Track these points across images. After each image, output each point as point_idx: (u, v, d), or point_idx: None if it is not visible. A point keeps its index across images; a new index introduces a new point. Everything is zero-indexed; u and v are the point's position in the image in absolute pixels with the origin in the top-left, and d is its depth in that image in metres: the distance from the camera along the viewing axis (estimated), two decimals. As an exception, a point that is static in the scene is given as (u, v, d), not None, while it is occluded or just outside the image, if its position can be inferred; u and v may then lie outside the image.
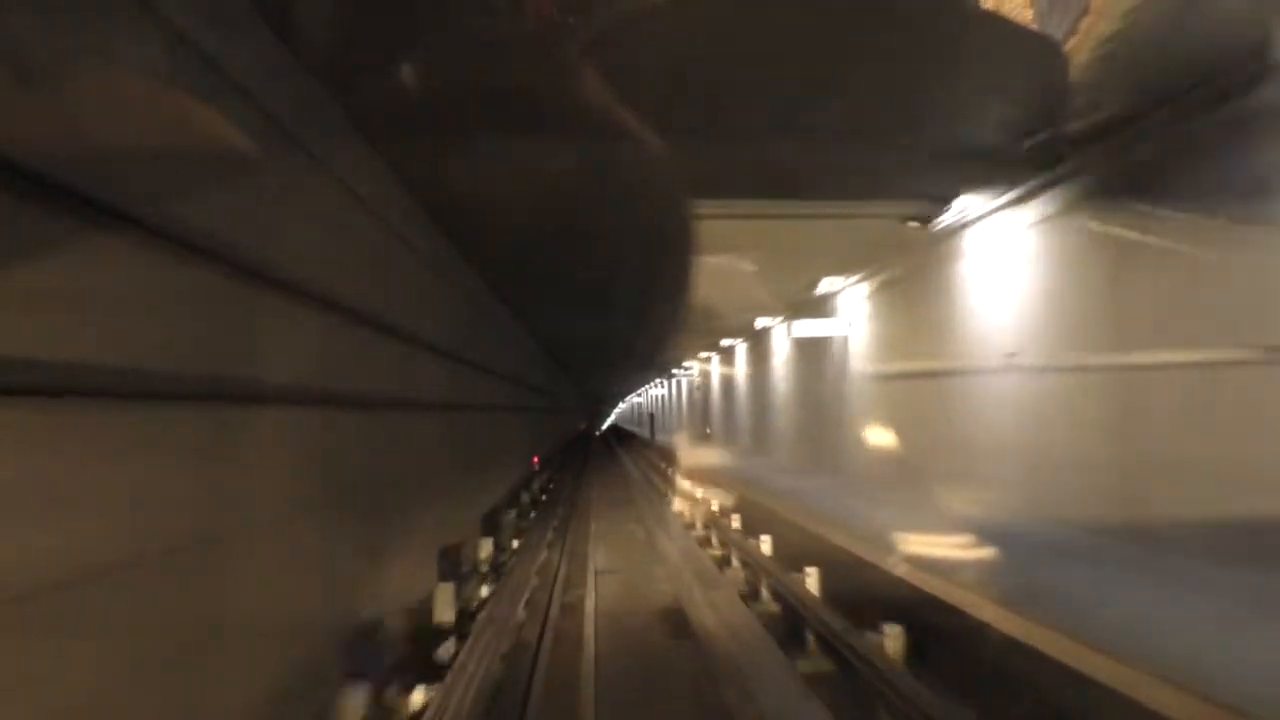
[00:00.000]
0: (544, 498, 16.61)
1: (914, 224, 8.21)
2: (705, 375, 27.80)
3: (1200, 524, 5.06)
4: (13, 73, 2.04)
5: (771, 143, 5.57)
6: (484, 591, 8.53)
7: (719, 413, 25.53)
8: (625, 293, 11.55)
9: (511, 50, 4.22)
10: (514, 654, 6.87)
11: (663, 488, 19.67)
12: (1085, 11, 4.45)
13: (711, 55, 4.54)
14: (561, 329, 17.83)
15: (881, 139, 5.69)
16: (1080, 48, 4.62)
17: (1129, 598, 5.03)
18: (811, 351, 14.26)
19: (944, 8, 4.53)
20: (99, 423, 2.44)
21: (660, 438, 33.57)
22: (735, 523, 12.35)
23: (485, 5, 3.98)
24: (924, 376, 9.64)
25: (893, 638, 6.16)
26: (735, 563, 10.71)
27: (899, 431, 10.34)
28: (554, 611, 8.23)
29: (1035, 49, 4.74)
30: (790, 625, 7.62)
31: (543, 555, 11.23)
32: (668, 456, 24.77)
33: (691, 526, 14.19)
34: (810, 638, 6.97)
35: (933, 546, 6.72)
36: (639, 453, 32.96)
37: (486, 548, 8.94)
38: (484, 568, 8.79)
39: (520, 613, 8.03)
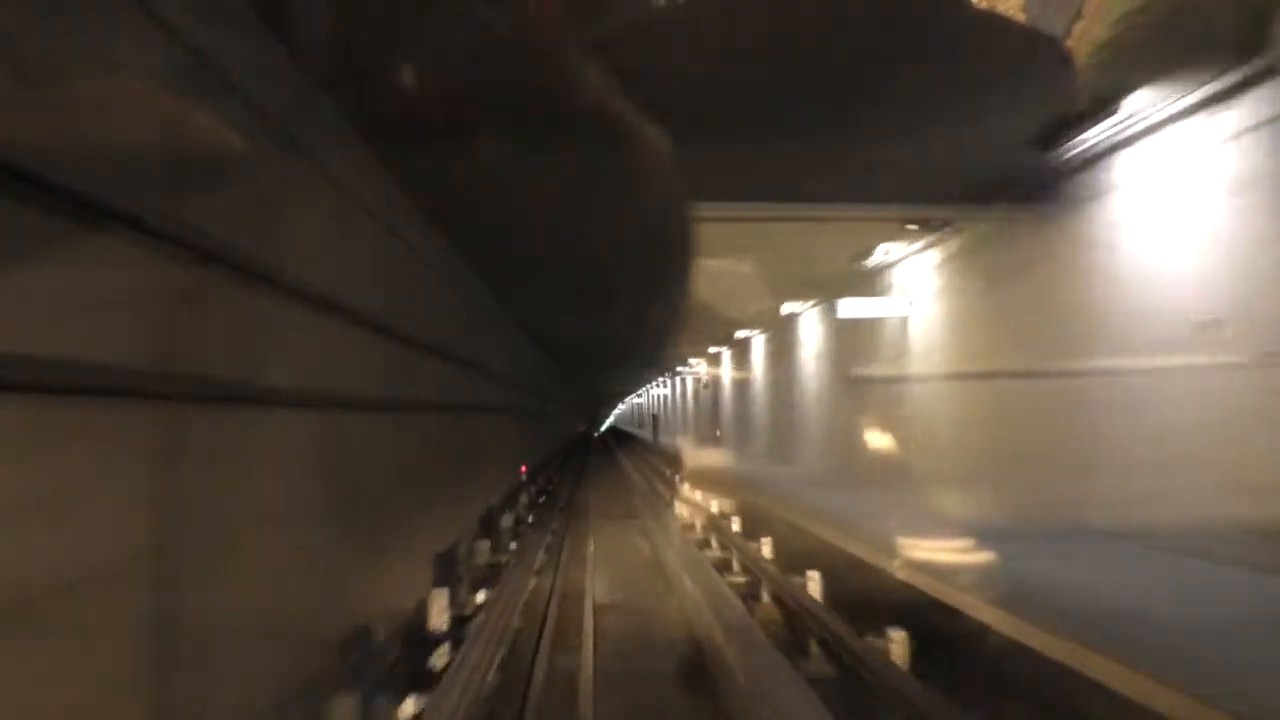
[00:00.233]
0: (531, 519, 13.84)
1: (912, 227, 8.19)
2: (714, 372, 25.40)
3: None
4: (11, 73, 2.04)
5: (772, 146, 5.55)
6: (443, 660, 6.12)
7: (731, 413, 23.15)
8: (626, 291, 11.37)
9: (511, 52, 4.22)
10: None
11: (671, 500, 17.31)
12: (1078, 16, 4.44)
13: (714, 60, 4.57)
14: (559, 327, 16.99)
15: (884, 143, 5.63)
16: (1075, 52, 4.65)
17: None
18: (853, 340, 11.88)
19: (950, 13, 4.45)
20: (95, 422, 2.43)
21: (664, 440, 31.14)
22: (766, 550, 9.96)
23: (485, 7, 3.96)
24: (1031, 376, 7.28)
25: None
26: (767, 599, 8.39)
27: (999, 441, 7.91)
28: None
29: (1042, 54, 4.64)
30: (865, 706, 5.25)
31: (527, 590, 8.85)
32: (674, 462, 22.38)
33: (717, 558, 11.81)
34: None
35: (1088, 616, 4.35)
36: (641, 457, 30.49)
37: (440, 606, 6.50)
38: (440, 628, 6.37)
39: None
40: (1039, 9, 4.55)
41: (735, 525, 12.06)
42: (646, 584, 9.46)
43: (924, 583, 5.72)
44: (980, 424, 8.31)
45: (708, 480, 16.30)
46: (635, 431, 53.31)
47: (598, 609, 8.07)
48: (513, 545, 10.84)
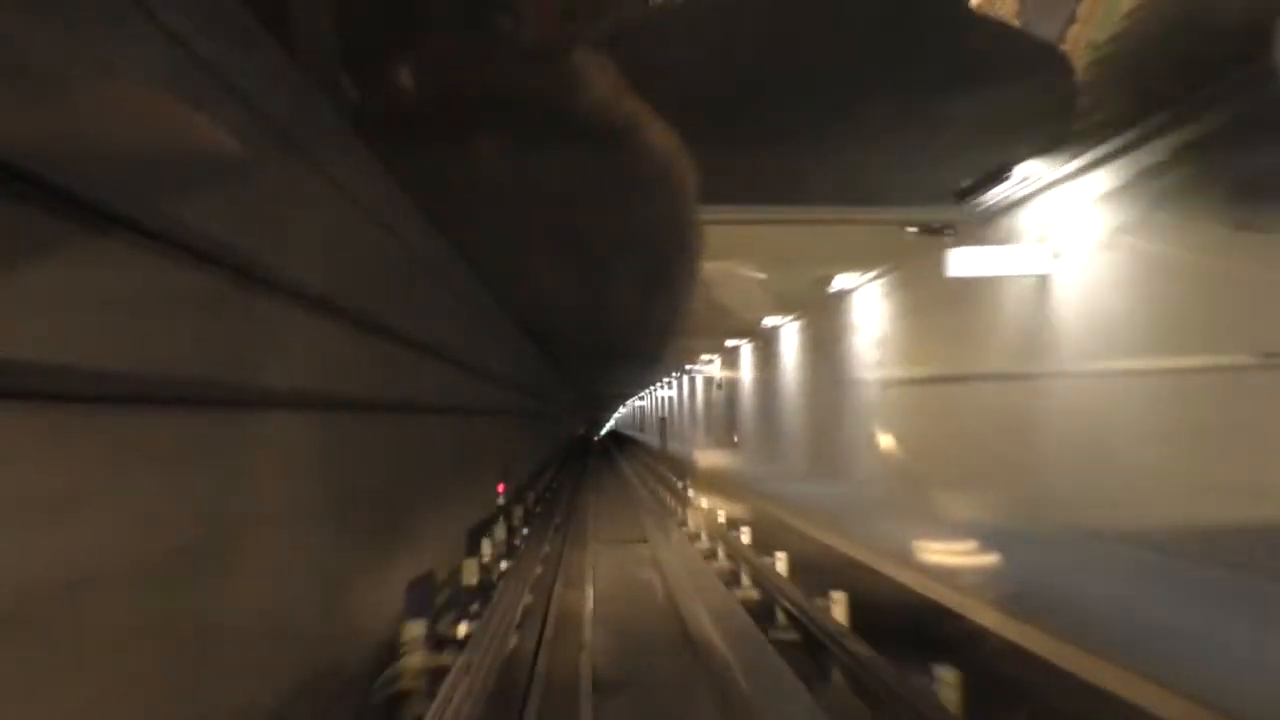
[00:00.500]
0: (504, 565, 10.05)
1: (912, 229, 8.00)
2: (731, 369, 22.29)
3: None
4: (14, 77, 2.08)
5: (776, 148, 5.61)
6: None
7: (751, 415, 20.03)
8: (629, 287, 10.99)
9: (509, 53, 4.21)
10: None
11: (692, 528, 14.22)
12: (1073, 20, 4.46)
13: (717, 62, 4.62)
14: (558, 325, 16.08)
15: (887, 145, 5.66)
16: (1071, 56, 4.66)
17: None
18: (953, 312, 8.79)
19: (953, 16, 4.48)
20: (97, 426, 2.46)
21: (673, 446, 27.99)
22: (840, 614, 6.85)
23: (487, 9, 3.98)
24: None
25: None
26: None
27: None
28: None
29: (1041, 58, 4.65)
30: None
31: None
32: (686, 471, 19.27)
33: (754, 602, 8.68)
34: None
35: None
36: (646, 465, 27.29)
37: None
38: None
39: None
40: (1033, 13, 4.49)
41: (781, 565, 8.96)
42: (668, 661, 6.38)
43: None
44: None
45: (732, 496, 13.24)
46: (639, 436, 49.99)
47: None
48: (474, 613, 7.67)
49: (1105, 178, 6.17)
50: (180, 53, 2.75)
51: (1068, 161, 6.29)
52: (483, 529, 9.28)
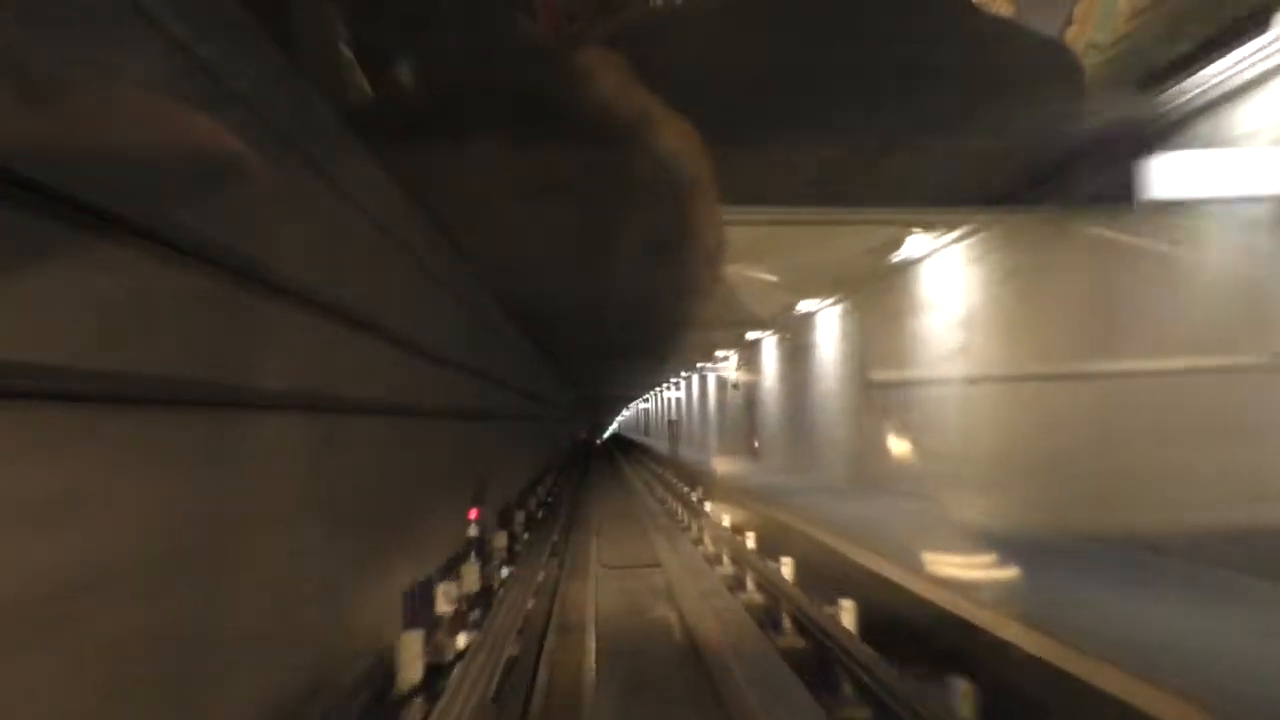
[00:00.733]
0: (462, 640, 6.22)
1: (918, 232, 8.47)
2: (751, 366, 19.79)
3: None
4: (13, 81, 2.09)
5: (787, 149, 5.63)
6: None
7: (775, 418, 17.54)
8: (635, 286, 10.72)
9: (513, 55, 4.23)
10: None
11: (709, 547, 11.73)
12: (1070, 21, 4.46)
13: (724, 64, 4.54)
14: (559, 323, 15.24)
15: (904, 146, 5.63)
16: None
17: None
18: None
19: (969, 17, 4.38)
20: (98, 428, 2.45)
21: (685, 452, 25.40)
22: (967, 712, 4.37)
23: (488, 10, 3.95)
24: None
25: None
26: None
27: None
28: None
29: (1056, 57, 4.59)
30: None
31: None
32: (699, 481, 16.78)
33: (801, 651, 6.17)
34: None
35: None
36: (654, 473, 24.75)
37: None
38: None
39: None
40: (1028, 14, 4.43)
41: (848, 618, 6.48)
42: None
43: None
44: None
45: (755, 515, 10.77)
46: (644, 440, 47.40)
47: None
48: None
49: None
50: (180, 56, 2.77)
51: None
52: (447, 571, 6.79)
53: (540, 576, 9.28)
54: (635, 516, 16.05)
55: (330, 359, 4.36)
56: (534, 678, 5.59)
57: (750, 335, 18.37)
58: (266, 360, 3.62)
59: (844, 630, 6.18)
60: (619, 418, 75.46)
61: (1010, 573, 5.65)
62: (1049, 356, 7.27)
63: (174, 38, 2.71)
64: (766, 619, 7.37)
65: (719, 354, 22.58)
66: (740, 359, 21.25)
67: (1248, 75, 4.70)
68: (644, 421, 58.74)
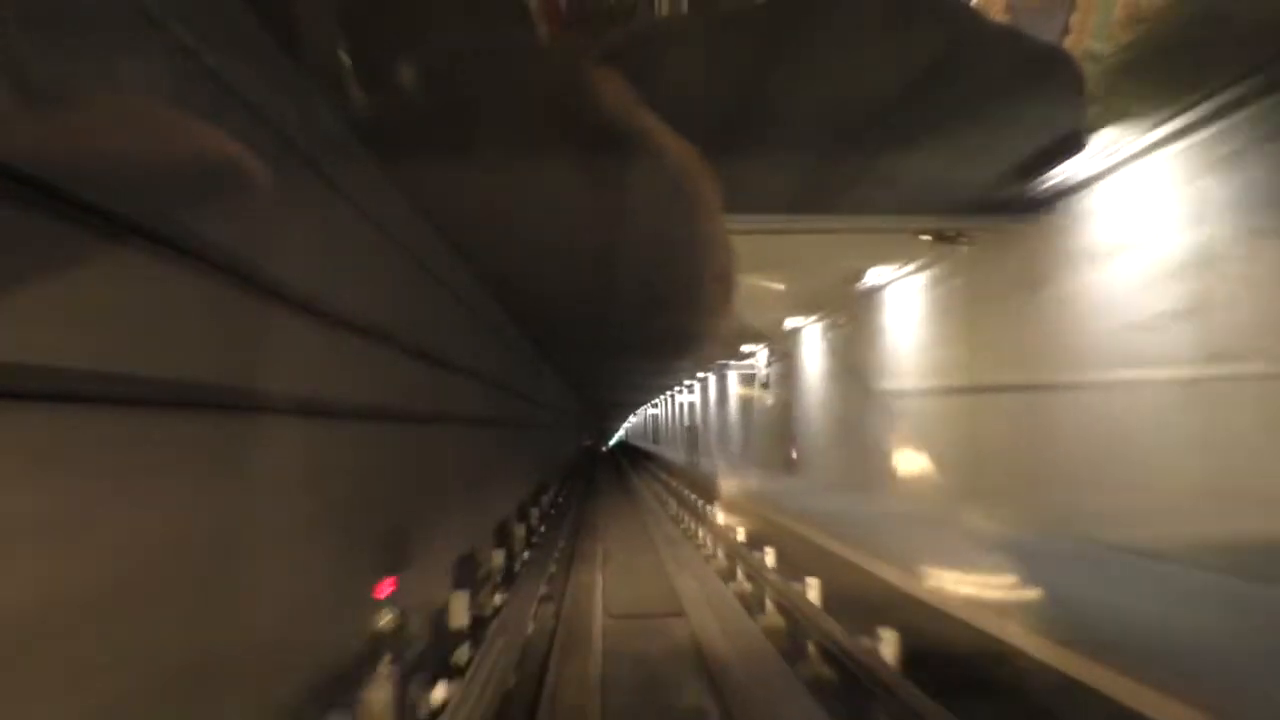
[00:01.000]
0: None
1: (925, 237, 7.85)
2: (790, 360, 16.72)
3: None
4: (24, 88, 2.10)
5: (790, 157, 5.71)
6: None
7: (823, 422, 14.45)
8: (644, 289, 10.59)
9: (520, 64, 4.26)
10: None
11: (743, 584, 8.71)
12: (1066, 30, 4.46)
13: (729, 74, 4.63)
14: (560, 323, 14.21)
15: (904, 154, 5.63)
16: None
17: None
18: None
19: (969, 25, 4.39)
20: (105, 432, 2.44)
21: (707, 464, 22.14)
22: None
23: (494, 19, 3.99)
24: None
25: None
26: None
27: None
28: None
29: (1056, 64, 4.59)
30: None
31: None
32: (729, 500, 13.72)
33: None
34: None
35: None
36: (668, 486, 21.60)
37: None
38: None
39: None
40: (1024, 22, 4.45)
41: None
42: None
43: None
44: None
45: (818, 552, 7.77)
46: (654, 449, 44.09)
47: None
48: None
49: None
50: (188, 63, 2.79)
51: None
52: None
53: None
54: (648, 541, 13.01)
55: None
56: None
57: (789, 323, 15.29)
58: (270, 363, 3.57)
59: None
60: (625, 424, 72.73)
61: None
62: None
63: (182, 45, 2.75)
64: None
65: (745, 349, 19.51)
66: (774, 353, 18.17)
67: None
68: (653, 428, 55.58)
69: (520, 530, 11.00)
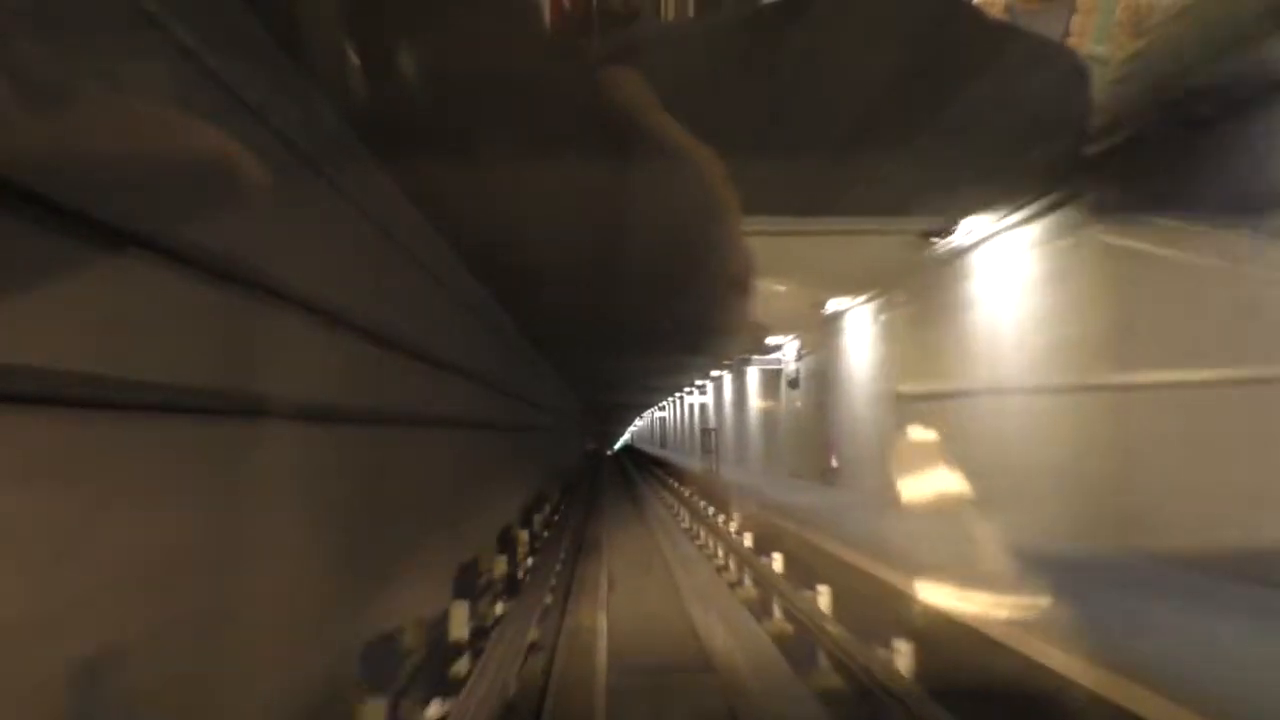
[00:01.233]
0: None
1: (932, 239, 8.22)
2: (826, 351, 14.28)
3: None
4: (25, 95, 2.10)
5: (793, 160, 5.67)
6: None
7: (870, 422, 12.00)
8: (652, 287, 10.33)
9: (527, 67, 4.26)
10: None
11: (773, 613, 6.33)
12: (1066, 35, 4.46)
13: (731, 76, 4.69)
14: (561, 321, 13.13)
15: (901, 155, 5.67)
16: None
17: None
18: None
19: (968, 24, 4.44)
20: (113, 435, 2.45)
21: (728, 473, 19.53)
22: None
23: (501, 22, 3.98)
24: None
25: None
26: None
27: None
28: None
29: (1060, 65, 4.66)
30: None
31: None
32: (775, 530, 11.29)
33: None
34: None
35: None
36: (681, 497, 19.10)
37: None
38: None
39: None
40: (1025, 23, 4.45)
41: None
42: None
43: None
44: None
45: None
46: (661, 454, 41.58)
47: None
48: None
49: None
50: (190, 66, 2.78)
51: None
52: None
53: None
54: (665, 571, 10.58)
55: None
56: None
57: (831, 306, 12.87)
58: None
59: None
60: (631, 428, 70.48)
61: None
62: None
63: (184, 47, 2.74)
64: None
65: (773, 340, 17.09)
66: (806, 345, 15.74)
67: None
68: (660, 432, 53.13)
69: (501, 564, 8.56)
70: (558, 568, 10.54)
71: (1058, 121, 5.35)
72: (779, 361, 17.70)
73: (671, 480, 23.18)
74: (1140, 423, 6.05)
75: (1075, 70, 4.61)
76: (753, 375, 20.78)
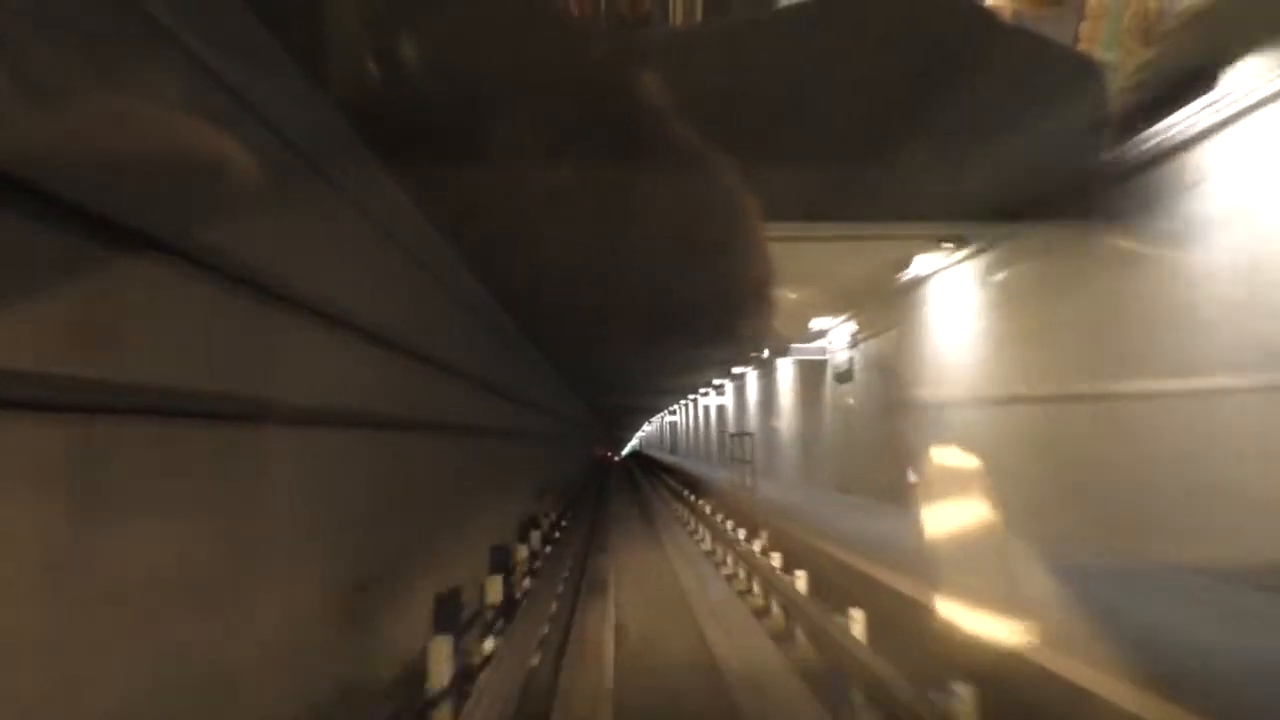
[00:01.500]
0: None
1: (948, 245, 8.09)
2: (902, 330, 11.05)
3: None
4: (43, 104, 2.13)
5: (808, 165, 5.62)
6: None
7: (978, 426, 8.77)
8: (664, 286, 9.90)
9: (540, 75, 4.27)
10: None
11: None
12: (1076, 40, 4.48)
13: (744, 82, 4.62)
14: (565, 321, 12.38)
15: (919, 162, 5.56)
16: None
17: None
18: None
19: (986, 32, 4.41)
20: (122, 440, 2.48)
21: (768, 489, 15.74)
22: None
23: (516, 29, 3.96)
24: None
25: None
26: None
27: None
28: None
29: (1078, 71, 4.68)
30: None
31: None
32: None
33: None
34: None
35: None
36: (709, 522, 15.62)
37: None
38: None
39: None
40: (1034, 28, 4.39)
41: None
42: None
43: None
44: None
45: None
46: (674, 461, 38.19)
47: None
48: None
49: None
50: (205, 78, 2.82)
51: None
52: None
53: None
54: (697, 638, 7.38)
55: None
56: None
57: (906, 274, 9.66)
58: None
59: None
60: (639, 433, 67.67)
61: None
62: None
63: (194, 56, 2.77)
64: None
65: (816, 325, 13.88)
66: (865, 325, 12.53)
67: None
68: (670, 437, 49.92)
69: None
70: (544, 631, 7.38)
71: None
72: (823, 351, 14.50)
73: (687, 493, 19.90)
74: None
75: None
76: (786, 370, 17.57)
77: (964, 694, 4.20)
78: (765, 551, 10.02)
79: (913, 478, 10.24)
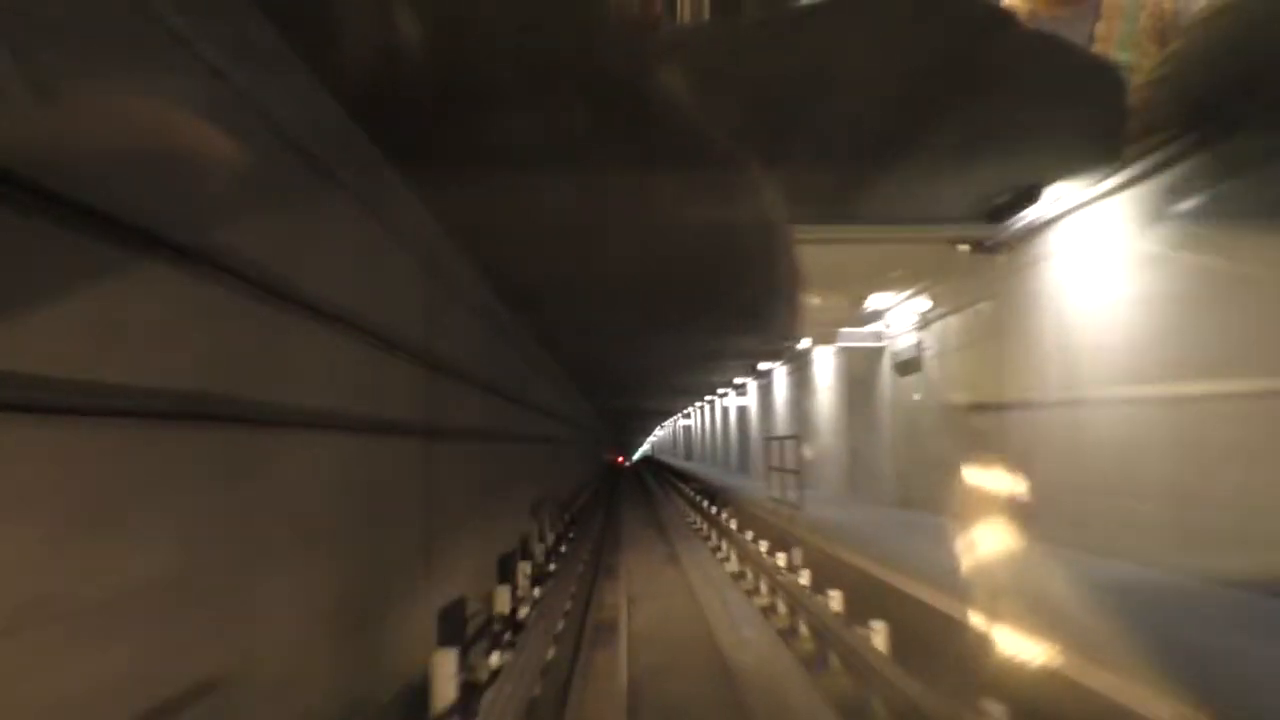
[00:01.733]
0: None
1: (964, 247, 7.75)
2: (990, 310, 8.55)
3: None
4: (58, 108, 2.12)
5: (825, 167, 5.66)
6: None
7: (1120, 428, 6.28)
8: (684, 281, 9.63)
9: (549, 81, 4.31)
10: None
11: None
12: (1091, 40, 4.45)
13: (757, 85, 4.61)
14: (571, 321, 12.55)
15: (937, 165, 5.61)
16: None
17: None
18: None
19: (1004, 36, 4.30)
20: (131, 441, 2.48)
21: (813, 504, 12.91)
22: None
23: (526, 35, 3.96)
24: None
25: None
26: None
27: None
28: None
29: (1094, 73, 4.58)
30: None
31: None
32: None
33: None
34: None
35: None
36: (752, 558, 12.97)
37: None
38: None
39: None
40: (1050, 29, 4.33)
41: None
42: None
43: None
44: None
45: None
46: (688, 467, 35.54)
47: None
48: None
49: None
50: (218, 83, 2.81)
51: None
52: None
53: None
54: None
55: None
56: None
57: (1048, 201, 7.14)
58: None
59: None
60: (650, 437, 65.50)
61: None
62: None
63: (210, 64, 2.76)
64: None
65: (872, 307, 11.38)
66: (944, 296, 9.99)
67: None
68: (684, 441, 47.38)
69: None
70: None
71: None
72: (879, 336, 12.01)
73: (706, 501, 17.26)
74: None
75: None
76: (825, 362, 15.06)
77: None
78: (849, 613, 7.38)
79: (1021, 494, 7.74)
